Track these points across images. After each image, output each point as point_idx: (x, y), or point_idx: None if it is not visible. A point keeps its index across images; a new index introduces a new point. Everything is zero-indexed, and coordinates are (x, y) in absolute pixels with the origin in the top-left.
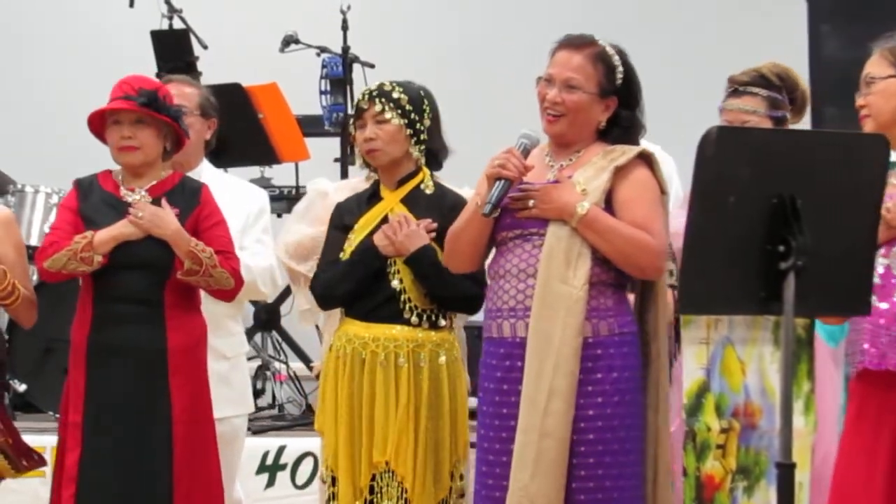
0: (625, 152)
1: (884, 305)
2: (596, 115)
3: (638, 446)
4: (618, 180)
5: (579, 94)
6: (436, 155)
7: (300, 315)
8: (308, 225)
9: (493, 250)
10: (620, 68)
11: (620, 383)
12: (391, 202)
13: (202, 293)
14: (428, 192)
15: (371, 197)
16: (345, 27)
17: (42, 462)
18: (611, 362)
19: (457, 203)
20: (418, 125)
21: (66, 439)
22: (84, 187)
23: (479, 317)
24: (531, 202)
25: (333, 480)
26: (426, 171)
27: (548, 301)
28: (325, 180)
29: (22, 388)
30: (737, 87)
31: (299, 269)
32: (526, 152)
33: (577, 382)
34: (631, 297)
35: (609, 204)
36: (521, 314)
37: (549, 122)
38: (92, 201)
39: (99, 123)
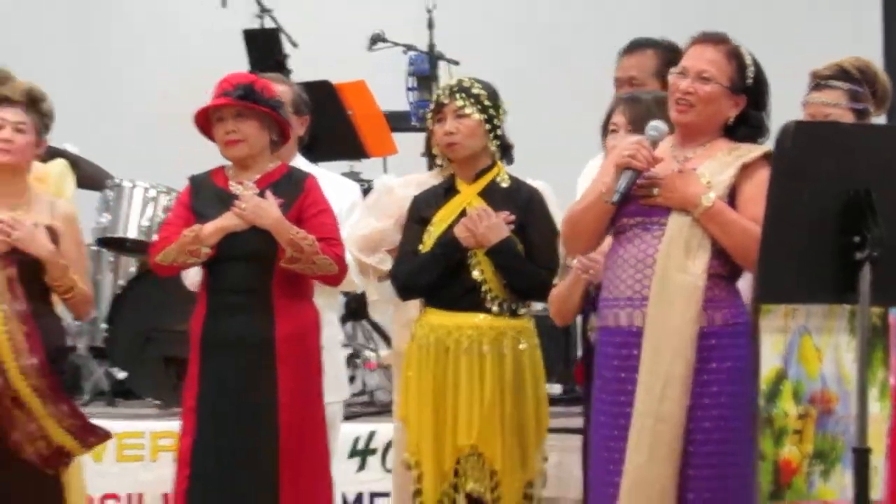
0: (751, 150)
1: None
2: (725, 110)
3: (750, 435)
4: (743, 177)
5: (711, 86)
6: (508, 149)
7: (370, 306)
8: (376, 219)
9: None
10: (752, 68)
11: (734, 373)
12: (469, 195)
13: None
14: (504, 185)
15: (448, 190)
16: (430, 25)
17: (107, 435)
18: (725, 352)
19: (532, 195)
20: (496, 120)
21: (184, 424)
22: (197, 184)
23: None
24: (655, 190)
25: (417, 465)
26: (501, 164)
27: (666, 290)
28: (390, 176)
29: (122, 375)
30: (819, 82)
31: (368, 261)
32: (654, 144)
33: (692, 370)
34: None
35: (730, 199)
36: (637, 304)
37: (680, 111)
38: (203, 196)
39: (205, 122)
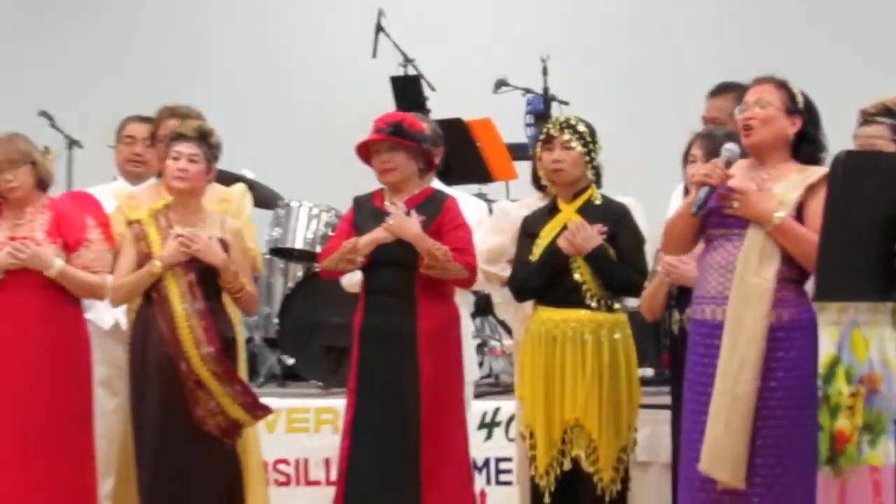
0: (816, 172)
1: None
2: (784, 128)
3: (811, 413)
4: (809, 195)
5: (768, 108)
6: (600, 175)
7: (495, 306)
8: (497, 236)
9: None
10: (800, 95)
11: (798, 361)
12: (568, 213)
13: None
14: (597, 202)
15: (552, 209)
16: (545, 72)
17: (269, 411)
18: (791, 344)
19: (620, 210)
20: (593, 153)
21: (347, 401)
22: (359, 203)
23: None
24: (735, 203)
25: (531, 435)
26: (594, 186)
27: (743, 291)
28: (506, 202)
29: (290, 361)
30: (866, 118)
31: (492, 270)
32: (728, 163)
33: (763, 358)
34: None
35: (798, 212)
36: (720, 302)
37: (746, 135)
38: (363, 214)
39: (365, 152)
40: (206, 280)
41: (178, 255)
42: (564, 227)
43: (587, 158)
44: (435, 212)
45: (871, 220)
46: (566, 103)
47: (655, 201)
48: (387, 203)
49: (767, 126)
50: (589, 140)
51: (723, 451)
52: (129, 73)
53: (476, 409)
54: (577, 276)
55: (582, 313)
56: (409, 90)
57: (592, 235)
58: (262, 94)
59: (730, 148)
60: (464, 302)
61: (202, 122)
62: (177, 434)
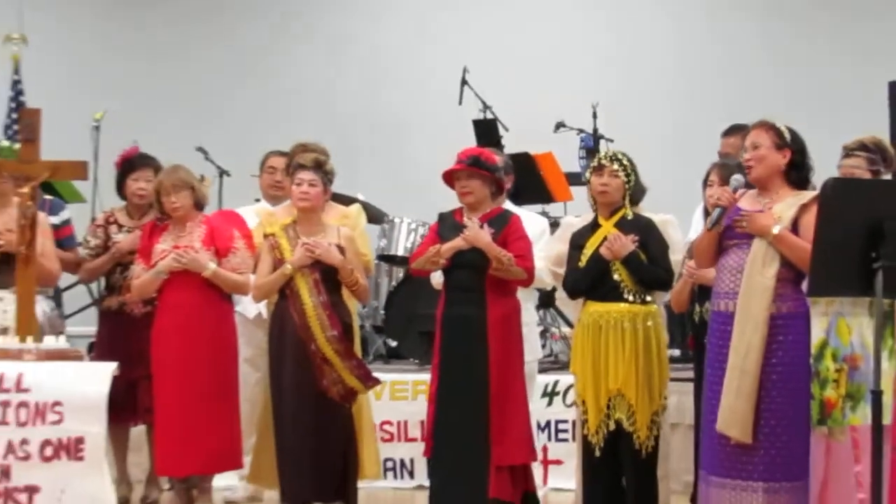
0: (806, 195)
1: None
2: (777, 161)
3: (804, 385)
4: (802, 212)
5: (761, 149)
6: (635, 196)
7: (557, 300)
8: (562, 244)
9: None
10: (786, 131)
11: (794, 344)
12: (607, 227)
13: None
14: (629, 218)
15: (594, 225)
16: (595, 116)
17: (377, 382)
18: (788, 330)
19: (647, 224)
20: (630, 181)
21: (432, 375)
22: (443, 218)
23: None
24: (744, 222)
25: (584, 402)
26: (628, 205)
27: (749, 288)
28: (571, 216)
29: (393, 344)
30: (848, 152)
31: (559, 271)
32: (735, 189)
33: (766, 341)
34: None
35: (794, 226)
36: (732, 296)
37: (748, 171)
38: (446, 226)
39: (449, 178)
40: (328, 278)
41: (304, 260)
42: (604, 239)
43: (626, 185)
44: (502, 226)
45: (853, 232)
46: (611, 140)
47: (684, 218)
48: (465, 218)
49: (762, 163)
50: (629, 171)
51: (734, 414)
52: (269, 116)
53: (540, 381)
54: (616, 277)
55: (621, 306)
56: (487, 130)
57: (627, 244)
58: (375, 133)
59: (737, 178)
60: (530, 296)
61: (318, 154)
62: (307, 400)
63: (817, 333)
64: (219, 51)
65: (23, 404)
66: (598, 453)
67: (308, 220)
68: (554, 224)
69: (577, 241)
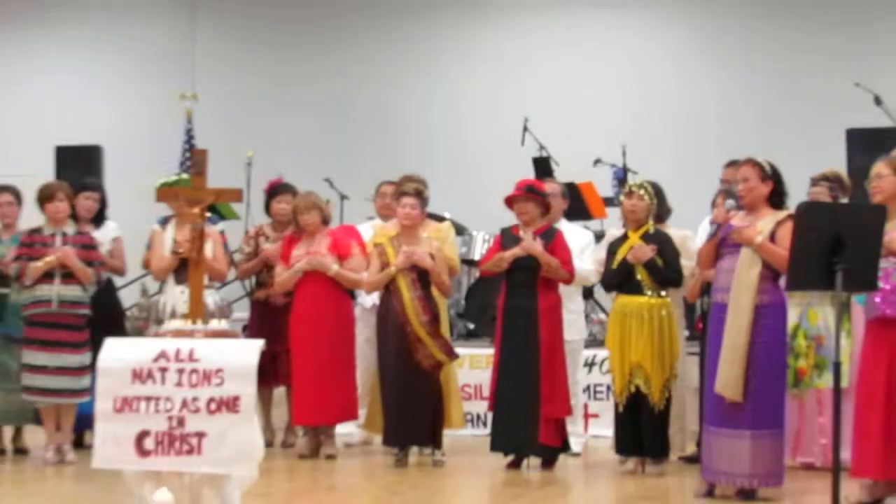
0: (782, 214)
1: (887, 286)
2: (761, 190)
3: (782, 357)
4: (778, 227)
5: (751, 181)
6: (660, 215)
7: (598, 294)
8: (604, 251)
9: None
10: (768, 166)
11: (774, 326)
12: (634, 239)
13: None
14: (651, 232)
15: (623, 237)
16: (623, 154)
17: (458, 356)
18: (768, 316)
19: (664, 236)
20: (653, 204)
21: (495, 349)
22: (504, 232)
23: None
24: (735, 235)
25: (612, 371)
26: (651, 222)
27: (739, 284)
28: (613, 230)
29: (471, 326)
30: (814, 181)
31: (602, 270)
32: (728, 211)
33: (752, 325)
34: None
35: (772, 237)
36: (726, 291)
37: (740, 199)
38: (507, 238)
39: (509, 202)
40: (422, 277)
41: (405, 263)
42: (631, 247)
43: (651, 207)
44: (550, 239)
45: (819, 242)
46: (636, 172)
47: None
48: (521, 232)
49: (750, 193)
50: (654, 196)
51: (728, 379)
52: (381, 153)
53: (584, 354)
54: (638, 276)
55: (642, 299)
56: (543, 165)
57: (647, 252)
58: (459, 167)
59: (729, 202)
60: (577, 290)
61: (418, 184)
62: (405, 369)
63: (792, 318)
64: (341, 104)
65: (194, 371)
66: (621, 409)
67: (408, 234)
68: (600, 235)
69: (612, 248)
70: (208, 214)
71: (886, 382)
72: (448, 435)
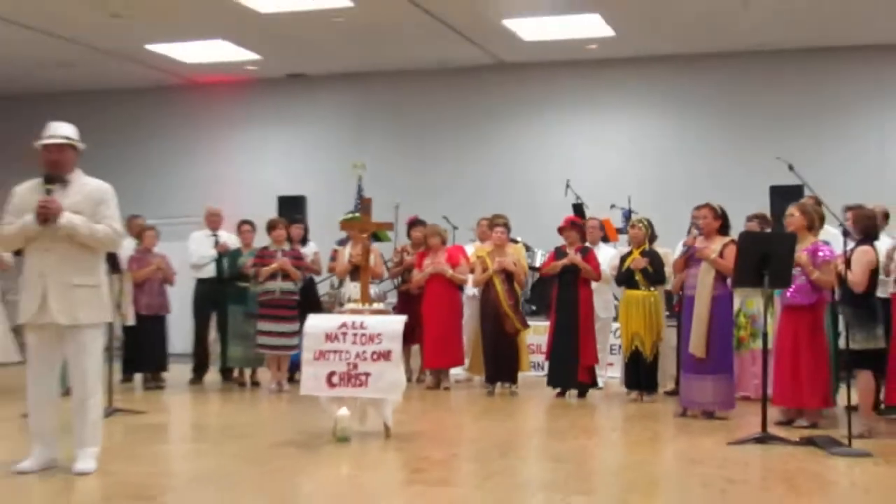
0: (727, 239)
1: (794, 285)
2: (714, 224)
3: (730, 329)
4: (724, 248)
5: (708, 219)
6: (651, 239)
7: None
8: (618, 262)
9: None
10: (719, 209)
11: (724, 310)
12: (635, 254)
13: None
14: (647, 250)
15: (629, 253)
16: (629, 200)
17: (528, 326)
18: (721, 303)
19: (655, 253)
20: (649, 232)
21: (551, 319)
22: (557, 249)
23: None
24: (698, 254)
25: (620, 338)
26: (647, 244)
27: (701, 284)
28: (623, 248)
29: (534, 308)
30: (748, 218)
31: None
32: (694, 238)
33: (710, 309)
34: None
35: (721, 254)
36: (694, 288)
37: (701, 231)
38: (558, 253)
39: (561, 231)
40: (508, 277)
41: (498, 268)
42: (633, 260)
43: (648, 234)
44: (585, 254)
45: (753, 257)
46: (636, 212)
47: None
48: (568, 250)
49: (708, 226)
50: (647, 227)
51: (697, 342)
52: (477, 196)
53: (613, 326)
54: (637, 278)
55: (640, 292)
56: (579, 209)
57: (642, 263)
58: (527, 207)
59: (694, 232)
60: (609, 287)
61: (504, 219)
62: (498, 333)
63: (736, 305)
64: (455, 171)
65: (363, 334)
66: (627, 361)
67: (499, 250)
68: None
69: (622, 260)
70: (371, 238)
71: (792, 345)
72: (521, 376)
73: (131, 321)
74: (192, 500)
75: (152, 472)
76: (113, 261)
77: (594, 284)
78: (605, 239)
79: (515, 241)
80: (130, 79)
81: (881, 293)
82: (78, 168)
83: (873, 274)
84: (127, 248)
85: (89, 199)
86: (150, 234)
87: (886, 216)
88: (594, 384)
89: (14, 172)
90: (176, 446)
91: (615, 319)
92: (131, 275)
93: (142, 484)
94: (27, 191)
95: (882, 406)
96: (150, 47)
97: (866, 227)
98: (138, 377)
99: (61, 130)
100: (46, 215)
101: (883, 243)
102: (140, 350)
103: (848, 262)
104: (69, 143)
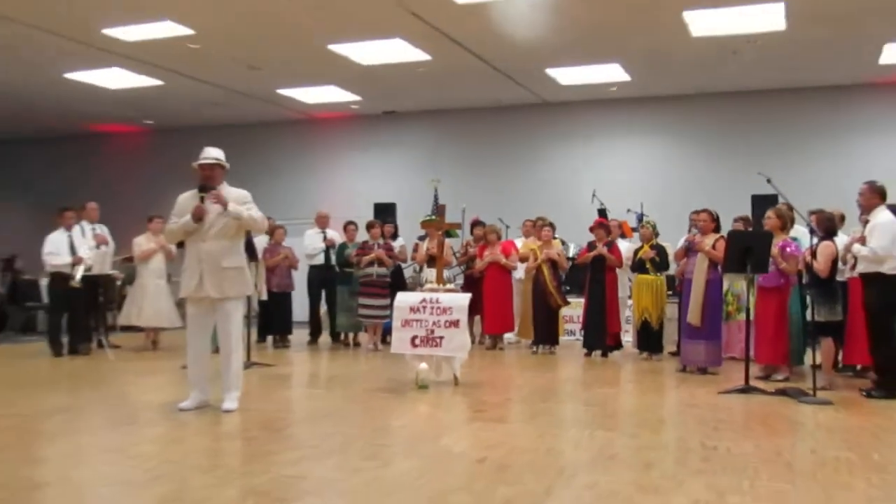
0: (718, 236)
1: (769, 272)
2: (711, 225)
3: (720, 304)
4: (716, 242)
5: (705, 223)
6: (657, 235)
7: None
8: (631, 254)
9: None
10: (714, 213)
11: (715, 290)
12: (645, 248)
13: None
14: (654, 244)
15: (641, 247)
16: (641, 207)
17: (568, 303)
18: (713, 285)
19: (661, 247)
20: (656, 230)
21: (585, 299)
22: (588, 244)
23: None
24: (696, 247)
25: (634, 312)
26: (654, 239)
27: (698, 269)
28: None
29: (568, 288)
30: (735, 220)
31: (630, 263)
32: (694, 235)
33: (705, 287)
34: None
35: (714, 247)
36: (692, 273)
37: (701, 228)
38: (590, 247)
39: (592, 230)
40: (553, 264)
41: (546, 258)
42: (644, 252)
43: (654, 232)
44: (610, 247)
45: (739, 250)
46: (647, 215)
47: (675, 242)
48: (597, 243)
49: (705, 226)
50: (654, 226)
51: (694, 313)
52: (528, 204)
53: (628, 303)
54: (647, 266)
55: (649, 277)
56: (604, 213)
57: (651, 254)
58: (564, 212)
59: (694, 230)
60: (622, 273)
61: (548, 220)
62: (544, 306)
63: (726, 286)
64: (509, 181)
65: (439, 307)
66: (638, 328)
67: (547, 245)
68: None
69: (635, 252)
70: (444, 235)
71: (765, 316)
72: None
73: (265, 297)
74: (309, 430)
75: (280, 409)
76: (251, 251)
77: (621, 271)
78: (623, 236)
79: (555, 238)
80: (265, 115)
81: (840, 278)
82: (224, 181)
83: (834, 263)
84: (262, 241)
85: (237, 200)
86: (279, 231)
87: (843, 218)
88: (618, 346)
89: (184, 187)
90: (297, 391)
91: (629, 298)
92: (265, 262)
93: (272, 418)
94: (187, 198)
95: (840, 365)
96: (280, 91)
97: (828, 227)
98: (270, 339)
99: (212, 153)
100: (201, 215)
101: (841, 239)
102: (271, 318)
103: (814, 254)
104: (218, 162)
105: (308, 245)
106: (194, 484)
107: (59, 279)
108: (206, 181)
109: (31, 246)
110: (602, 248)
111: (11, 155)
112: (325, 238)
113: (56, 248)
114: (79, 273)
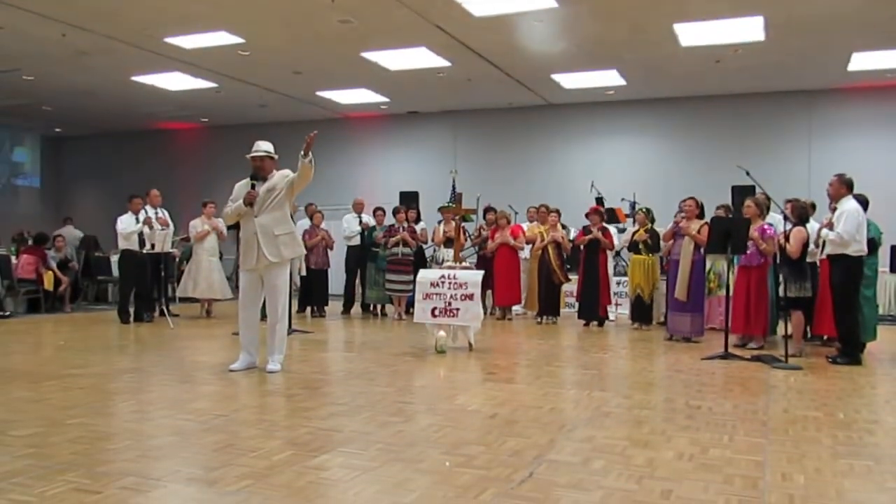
0: (702, 222)
1: (747, 253)
2: (695, 211)
3: (702, 280)
4: (701, 227)
5: (691, 208)
6: (651, 221)
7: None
8: (628, 236)
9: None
10: (698, 201)
11: (699, 269)
12: (640, 232)
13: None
14: (647, 229)
15: (636, 231)
16: (633, 196)
17: (570, 279)
18: (696, 264)
19: (653, 231)
20: (650, 215)
21: (578, 278)
22: (584, 228)
23: None
24: (683, 231)
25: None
26: (649, 224)
27: (684, 251)
28: (632, 228)
29: (569, 266)
30: (717, 207)
31: (626, 245)
32: (682, 219)
33: (690, 267)
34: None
35: (699, 231)
36: (679, 254)
37: (687, 213)
38: (586, 231)
39: (588, 216)
40: (557, 245)
41: (551, 240)
42: (638, 235)
43: (648, 218)
44: (604, 232)
45: (720, 233)
46: (639, 203)
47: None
48: (592, 228)
49: (691, 212)
50: (649, 212)
51: (681, 288)
52: (535, 193)
53: (618, 279)
54: (640, 246)
55: (642, 256)
56: (600, 201)
57: (645, 237)
58: (567, 199)
59: (682, 214)
60: (611, 255)
61: (553, 207)
62: (548, 282)
63: (708, 265)
64: (519, 173)
65: (455, 282)
66: (632, 302)
67: (553, 228)
68: (622, 230)
69: (633, 235)
70: (460, 220)
71: (745, 293)
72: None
73: (304, 273)
74: (344, 389)
75: (317, 370)
76: None
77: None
78: (618, 221)
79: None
80: (306, 114)
81: (810, 259)
82: (274, 169)
83: (804, 246)
84: (303, 225)
85: (281, 178)
86: (318, 215)
87: (814, 207)
88: (607, 318)
89: (233, 176)
90: (333, 354)
91: (623, 274)
92: (305, 242)
93: (311, 378)
94: (241, 186)
95: (809, 335)
96: (319, 93)
97: (800, 214)
98: (308, 310)
99: (262, 146)
100: (252, 200)
101: (812, 226)
102: (310, 292)
103: (787, 238)
104: (268, 154)
105: (346, 228)
106: (242, 435)
107: (128, 256)
108: (257, 171)
109: (106, 227)
110: (596, 233)
111: (89, 148)
112: (360, 222)
113: (127, 228)
114: (149, 234)
